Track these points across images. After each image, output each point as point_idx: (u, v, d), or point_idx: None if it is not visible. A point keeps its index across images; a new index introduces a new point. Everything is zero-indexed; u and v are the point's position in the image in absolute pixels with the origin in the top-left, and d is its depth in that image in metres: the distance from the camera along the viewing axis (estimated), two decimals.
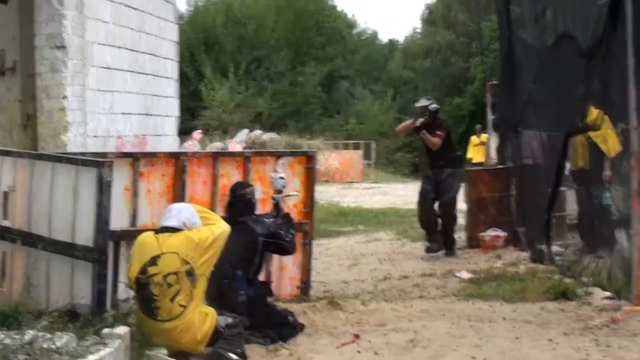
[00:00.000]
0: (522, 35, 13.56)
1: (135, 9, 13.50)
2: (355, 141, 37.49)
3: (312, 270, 10.58)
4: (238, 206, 8.62)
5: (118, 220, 8.69)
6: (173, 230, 7.42)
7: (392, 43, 65.21)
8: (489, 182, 14.66)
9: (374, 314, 9.42)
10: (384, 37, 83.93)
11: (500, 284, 11.08)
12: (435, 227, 13.81)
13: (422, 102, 14.21)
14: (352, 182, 31.88)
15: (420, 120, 13.83)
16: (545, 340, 8.26)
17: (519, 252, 13.41)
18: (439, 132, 13.74)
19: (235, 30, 43.65)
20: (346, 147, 36.58)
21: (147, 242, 7.39)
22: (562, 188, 14.21)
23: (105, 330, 6.46)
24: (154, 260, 7.25)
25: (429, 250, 13.76)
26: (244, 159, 9.82)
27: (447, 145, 13.84)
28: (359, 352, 7.89)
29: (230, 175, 9.57)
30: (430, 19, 59.56)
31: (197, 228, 7.50)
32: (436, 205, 13.89)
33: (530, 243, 13.23)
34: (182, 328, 7.28)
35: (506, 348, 7.98)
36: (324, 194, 25.28)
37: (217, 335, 7.47)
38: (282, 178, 9.27)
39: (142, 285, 7.26)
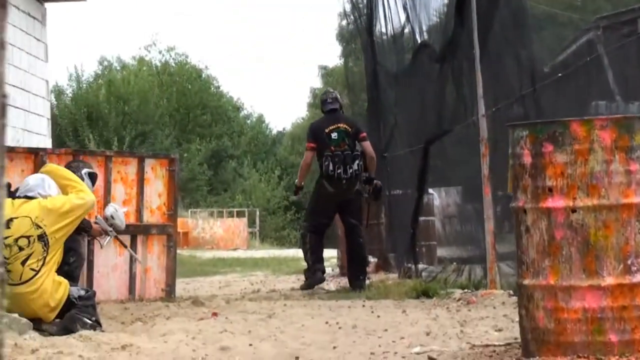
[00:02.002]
0: (384, 63, 13.98)
1: None
2: (240, 209, 37.61)
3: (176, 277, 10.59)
4: None
5: None
6: (28, 198, 7.46)
7: (280, 133, 65.72)
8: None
9: (237, 307, 9.47)
10: (270, 120, 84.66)
11: (367, 290, 11.21)
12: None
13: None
14: (237, 249, 31.88)
15: None
16: (400, 311, 8.44)
17: (389, 274, 13.61)
18: None
19: (119, 105, 43.72)
20: (231, 215, 36.64)
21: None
22: (432, 218, 14.62)
23: None
24: (7, 224, 7.25)
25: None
26: (105, 158, 9.87)
27: None
28: (214, 325, 7.92)
29: None
30: (315, 103, 60.27)
31: (53, 196, 7.54)
32: None
33: (399, 264, 13.47)
34: (34, 293, 7.25)
35: (360, 317, 8.12)
36: (206, 254, 25.27)
37: (70, 306, 7.44)
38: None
39: None
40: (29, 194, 7.53)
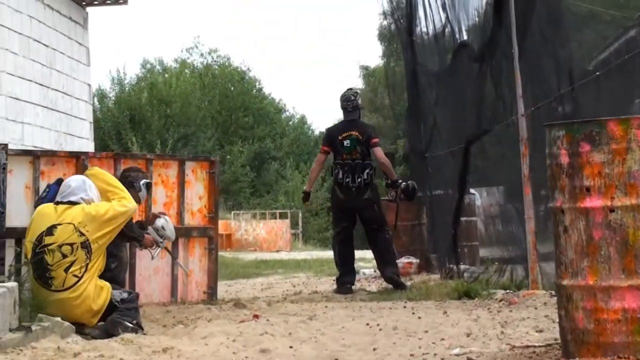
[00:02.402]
0: (424, 63, 13.96)
1: (45, 45, 13.65)
2: (282, 210, 37.66)
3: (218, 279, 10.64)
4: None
5: (19, 218, 8.73)
6: (71, 204, 7.54)
7: (322, 134, 65.79)
8: (401, 210, 14.79)
9: (278, 309, 9.49)
10: (312, 121, 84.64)
11: (408, 291, 11.20)
12: None
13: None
14: (280, 251, 31.90)
15: None
16: (441, 313, 8.42)
17: (431, 275, 13.59)
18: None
19: (161, 108, 43.93)
20: (273, 217, 36.70)
21: (46, 213, 7.50)
22: (474, 218, 14.56)
23: None
24: (50, 230, 7.37)
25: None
26: (146, 161, 9.92)
27: None
28: (255, 327, 7.95)
29: None
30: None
31: (96, 203, 7.62)
32: None
33: (440, 265, 13.45)
34: (77, 299, 7.34)
35: (401, 319, 8.11)
36: (249, 256, 25.33)
37: (112, 309, 7.51)
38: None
39: (37, 254, 7.32)
40: (72, 199, 7.60)
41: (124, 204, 7.73)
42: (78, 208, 7.49)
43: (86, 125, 15.62)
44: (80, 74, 15.28)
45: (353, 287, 11.99)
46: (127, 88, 46.92)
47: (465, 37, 11.43)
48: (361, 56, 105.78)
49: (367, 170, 11.84)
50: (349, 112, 12.14)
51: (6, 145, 8.50)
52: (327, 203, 50.15)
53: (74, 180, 7.84)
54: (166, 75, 49.18)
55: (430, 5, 13.10)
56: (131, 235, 8.25)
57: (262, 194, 49.22)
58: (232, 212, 37.15)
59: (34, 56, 13.33)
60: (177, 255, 9.87)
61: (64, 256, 7.34)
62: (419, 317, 8.14)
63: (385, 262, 11.96)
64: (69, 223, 7.41)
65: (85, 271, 7.38)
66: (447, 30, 12.42)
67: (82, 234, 7.39)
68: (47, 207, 7.57)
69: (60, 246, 7.34)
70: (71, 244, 7.36)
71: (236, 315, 8.77)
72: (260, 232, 33.56)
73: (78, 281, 7.35)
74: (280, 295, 11.76)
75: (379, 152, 11.98)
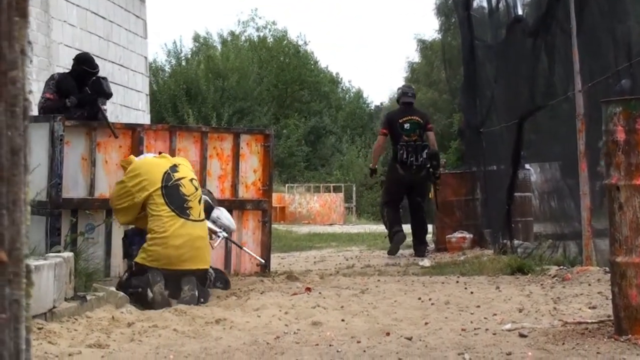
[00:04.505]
0: (482, 37, 13.85)
1: (102, 17, 13.75)
2: (336, 184, 37.71)
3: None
4: None
5: (76, 189, 8.84)
6: None
7: (378, 107, 65.66)
8: (455, 185, 14.81)
9: (330, 282, 9.52)
10: (368, 95, 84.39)
11: (461, 266, 11.19)
12: None
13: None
14: (333, 224, 31.98)
15: None
16: (493, 288, 8.40)
17: (484, 250, 13.54)
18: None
19: (217, 82, 44.11)
20: (327, 190, 36.77)
21: (155, 160, 7.91)
22: (528, 194, 14.44)
23: (50, 254, 6.58)
24: (174, 168, 7.74)
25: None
26: (201, 134, 9.98)
27: None
28: (307, 300, 7.98)
29: (188, 149, 9.72)
30: (412, 78, 59.96)
31: None
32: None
33: (494, 240, 13.39)
34: (204, 231, 7.83)
35: (453, 293, 8.10)
36: (303, 229, 25.41)
37: None
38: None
39: (171, 187, 7.55)
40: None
41: None
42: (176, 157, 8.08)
43: (142, 97, 15.74)
44: (137, 46, 15.39)
45: (404, 234, 13.82)
46: (183, 61, 47.12)
47: (520, 12, 11.31)
48: (418, 30, 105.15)
49: (426, 151, 13.58)
50: (409, 97, 14.07)
51: (63, 116, 8.60)
52: (380, 177, 50.09)
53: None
54: (223, 49, 49.30)
55: None
56: None
57: (316, 167, 49.33)
58: (287, 185, 37.29)
59: (91, 28, 13.44)
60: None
61: (196, 189, 7.76)
62: (472, 292, 8.12)
63: (418, 237, 13.94)
64: (182, 164, 7.92)
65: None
66: (501, 4, 12.31)
67: (193, 174, 8.00)
68: (148, 157, 7.91)
69: (191, 180, 7.79)
70: (194, 179, 7.85)
71: (289, 288, 8.80)
72: (314, 205, 33.67)
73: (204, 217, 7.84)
74: (332, 268, 11.80)
75: (432, 136, 13.88)
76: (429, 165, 13.69)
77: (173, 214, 7.53)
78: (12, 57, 0.97)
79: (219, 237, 8.80)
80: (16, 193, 0.99)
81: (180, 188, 7.62)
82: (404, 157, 13.55)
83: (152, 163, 7.80)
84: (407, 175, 13.64)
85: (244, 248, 9.79)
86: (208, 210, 8.67)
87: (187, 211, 7.61)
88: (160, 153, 8.38)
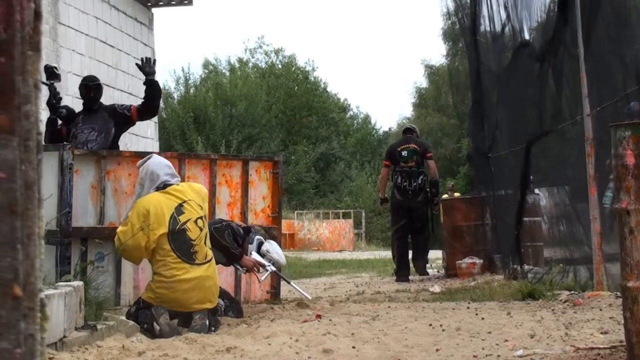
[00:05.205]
0: (487, 63, 13.87)
1: (111, 45, 13.80)
2: (345, 210, 37.69)
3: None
4: None
5: (85, 218, 8.84)
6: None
7: (386, 133, 65.72)
8: (464, 211, 14.81)
9: (341, 309, 9.50)
10: (376, 120, 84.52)
11: (472, 292, 11.16)
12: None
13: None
14: (343, 251, 31.94)
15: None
16: (505, 314, 8.37)
17: (494, 275, 13.51)
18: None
19: (225, 109, 44.19)
20: (337, 216, 36.75)
21: (161, 200, 7.66)
22: (538, 218, 14.43)
23: (60, 283, 6.57)
24: (179, 209, 7.59)
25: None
26: (210, 161, 9.98)
27: None
28: (317, 327, 7.95)
29: (197, 177, 9.72)
30: (420, 103, 60.06)
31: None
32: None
33: (504, 266, 13.36)
34: (211, 270, 7.71)
35: (464, 319, 8.08)
36: (312, 255, 25.38)
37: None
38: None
39: (178, 232, 7.50)
40: (172, 181, 7.81)
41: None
42: (184, 186, 7.89)
43: (151, 125, 15.77)
44: None
45: (410, 277, 14.48)
46: (191, 88, 47.24)
47: (526, 37, 11.32)
48: (425, 55, 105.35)
49: (421, 177, 14.49)
50: (410, 129, 15.51)
51: (72, 145, 8.62)
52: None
53: (158, 168, 7.95)
54: (230, 76, 49.41)
55: (492, 4, 13.03)
56: (229, 253, 8.42)
57: (325, 193, 49.33)
58: (296, 212, 37.27)
59: (99, 57, 13.50)
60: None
61: (200, 229, 7.66)
62: (482, 318, 8.09)
63: (415, 256, 14.95)
64: (189, 199, 7.70)
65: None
66: (507, 29, 12.34)
67: (201, 208, 7.77)
68: (157, 195, 7.76)
69: (195, 221, 7.64)
70: (200, 217, 7.72)
71: (299, 315, 8.78)
72: (324, 232, 33.64)
73: (211, 255, 7.77)
74: (343, 295, 11.78)
75: (433, 164, 14.79)
76: (428, 191, 14.59)
77: (179, 260, 7.52)
78: (26, 91, 0.98)
79: (267, 270, 8.83)
80: (30, 227, 0.99)
81: (187, 233, 7.56)
82: (398, 181, 14.56)
83: (158, 205, 7.69)
84: (404, 201, 14.55)
85: (292, 283, 9.85)
86: (259, 245, 8.74)
87: (194, 256, 7.58)
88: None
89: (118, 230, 7.76)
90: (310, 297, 10.15)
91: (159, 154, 10.36)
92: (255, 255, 8.82)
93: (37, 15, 1.05)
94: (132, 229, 7.58)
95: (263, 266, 8.75)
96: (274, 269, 8.90)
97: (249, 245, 8.89)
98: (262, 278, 8.95)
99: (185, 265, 7.51)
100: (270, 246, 8.92)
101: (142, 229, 7.55)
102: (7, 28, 0.98)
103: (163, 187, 7.77)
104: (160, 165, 7.97)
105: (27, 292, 0.95)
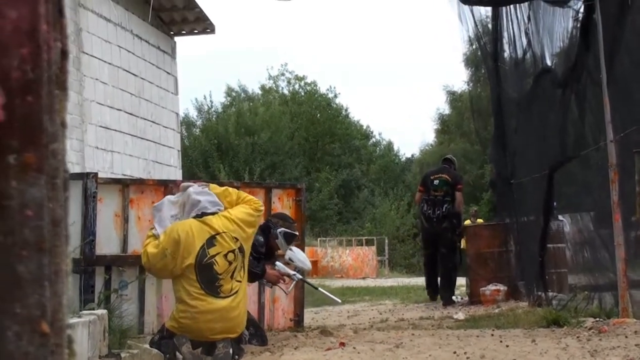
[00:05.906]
0: (509, 89, 13.88)
1: (134, 74, 13.88)
2: (368, 237, 37.64)
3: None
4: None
5: (109, 246, 8.87)
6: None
7: (409, 160, 65.66)
8: (488, 237, 14.75)
9: (364, 337, 9.48)
10: (398, 146, 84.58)
11: (496, 319, 11.12)
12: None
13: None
14: (366, 278, 31.86)
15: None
16: (529, 341, 8.33)
17: (518, 302, 13.45)
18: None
19: (248, 136, 44.31)
20: (360, 243, 36.70)
21: (194, 229, 7.64)
22: (562, 245, 14.38)
23: (84, 311, 6.59)
24: (211, 242, 7.57)
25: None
26: None
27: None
28: (341, 355, 7.94)
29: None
30: (443, 129, 59.98)
31: (230, 209, 7.92)
32: None
33: (528, 292, 13.31)
34: (237, 301, 7.66)
35: (489, 347, 8.04)
36: (336, 282, 25.37)
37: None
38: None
39: (205, 266, 7.49)
40: (211, 210, 7.76)
41: (256, 207, 8.04)
42: (222, 217, 7.74)
43: (174, 153, 15.83)
44: (168, 102, 15.52)
45: (437, 296, 15.02)
46: (214, 117, 47.41)
47: (548, 62, 11.32)
48: (447, 81, 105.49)
49: (445, 205, 14.79)
50: (447, 160, 15.79)
51: (96, 174, 8.68)
52: (413, 230, 50.27)
53: (199, 195, 7.94)
54: (252, 104, 49.56)
55: (513, 30, 13.05)
56: (251, 272, 8.40)
57: (348, 220, 49.29)
58: (319, 239, 37.25)
59: (123, 85, 13.58)
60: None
61: (230, 263, 7.63)
62: (507, 346, 8.05)
63: (442, 285, 14.99)
64: (224, 232, 7.63)
65: (244, 274, 7.77)
66: (528, 55, 12.34)
67: (236, 240, 7.67)
68: (191, 223, 7.69)
69: (225, 254, 7.62)
70: (232, 251, 7.66)
71: (322, 343, 8.76)
72: (347, 259, 33.58)
73: (240, 284, 7.70)
74: (366, 322, 11.75)
75: (459, 197, 15.09)
76: (453, 220, 14.85)
77: (203, 292, 7.53)
78: (53, 130, 0.99)
79: (294, 280, 8.84)
80: (58, 264, 1.00)
81: (214, 267, 7.57)
82: (424, 209, 15.03)
83: (191, 232, 7.69)
84: (429, 227, 14.99)
85: (320, 289, 9.84)
86: (285, 237, 8.77)
87: (218, 289, 7.58)
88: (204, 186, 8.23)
89: (148, 248, 7.73)
90: (340, 301, 10.13)
91: (181, 182, 10.44)
92: (279, 266, 8.82)
93: (64, 54, 1.07)
94: (162, 252, 7.59)
95: (289, 276, 8.74)
96: (300, 277, 8.89)
97: (276, 241, 8.90)
98: (289, 289, 8.94)
99: (209, 297, 7.52)
100: (293, 254, 8.91)
101: (172, 255, 7.56)
102: (35, 68, 0.99)
103: (201, 215, 7.77)
104: (204, 192, 8.00)
105: (54, 329, 0.96)
